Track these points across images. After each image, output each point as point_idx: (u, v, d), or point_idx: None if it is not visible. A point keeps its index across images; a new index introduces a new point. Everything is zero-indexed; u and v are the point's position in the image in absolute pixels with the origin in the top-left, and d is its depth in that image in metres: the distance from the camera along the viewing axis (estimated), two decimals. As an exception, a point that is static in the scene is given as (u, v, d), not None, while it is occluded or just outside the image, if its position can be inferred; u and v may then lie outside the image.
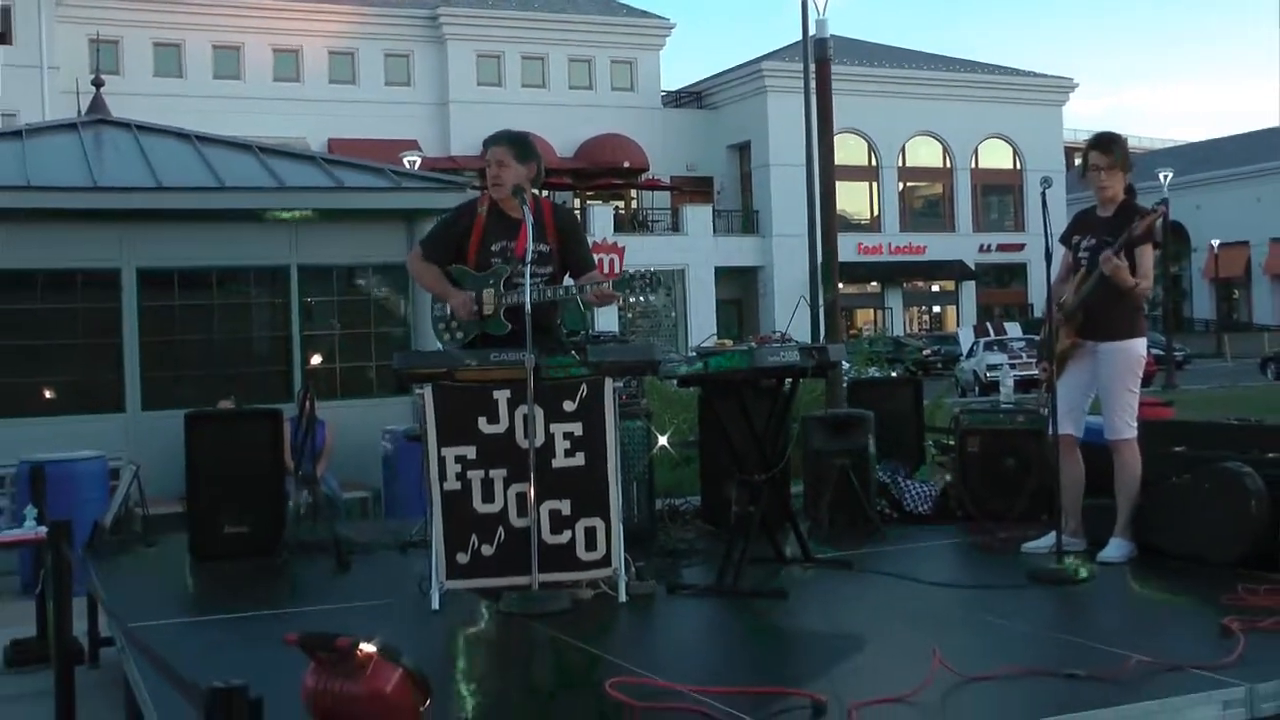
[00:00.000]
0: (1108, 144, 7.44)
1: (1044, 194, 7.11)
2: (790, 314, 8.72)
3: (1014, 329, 46.87)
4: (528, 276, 6.52)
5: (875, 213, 62.42)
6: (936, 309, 66.55)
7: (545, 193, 7.73)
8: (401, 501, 11.47)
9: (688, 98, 64.75)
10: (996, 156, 64.90)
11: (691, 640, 6.17)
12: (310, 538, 8.45)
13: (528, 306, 6.41)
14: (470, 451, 6.43)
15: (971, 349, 45.08)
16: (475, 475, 6.43)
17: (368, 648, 3.82)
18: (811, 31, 19.12)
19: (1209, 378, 45.59)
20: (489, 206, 7.16)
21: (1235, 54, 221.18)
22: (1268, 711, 4.60)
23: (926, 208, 64.80)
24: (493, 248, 7.07)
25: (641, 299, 7.05)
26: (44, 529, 7.78)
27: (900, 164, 62.65)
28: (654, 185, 59.80)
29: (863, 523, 8.48)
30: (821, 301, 14.67)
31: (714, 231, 57.60)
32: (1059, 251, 7.52)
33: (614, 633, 6.12)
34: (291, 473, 9.11)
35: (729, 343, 8.32)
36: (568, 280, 7.25)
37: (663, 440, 9.06)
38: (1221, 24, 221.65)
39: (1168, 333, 45.43)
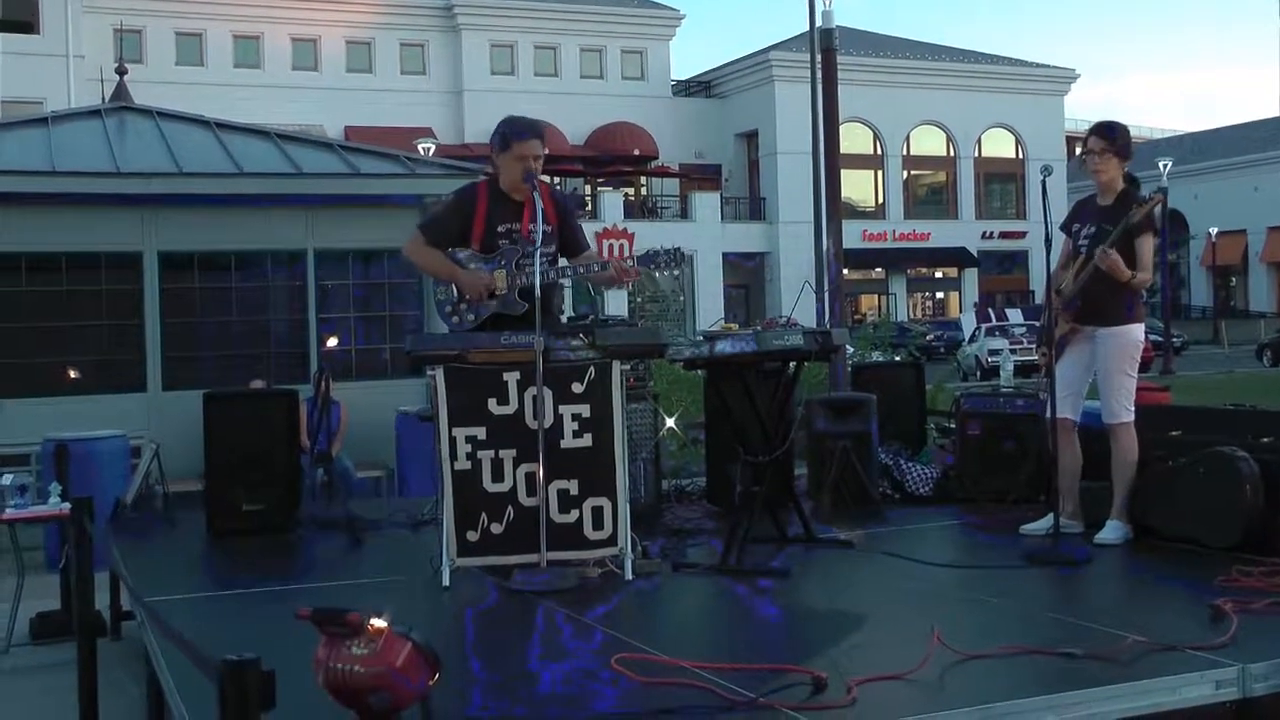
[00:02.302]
0: (1104, 130, 7.51)
1: (1044, 182, 7.16)
2: (795, 299, 8.74)
3: (1015, 315, 46.78)
4: (537, 258, 6.60)
5: (880, 200, 62.36)
6: (939, 295, 66.45)
7: (549, 179, 7.72)
8: (414, 481, 11.58)
9: (696, 87, 64.58)
10: (999, 145, 64.79)
11: (696, 618, 6.25)
12: (325, 515, 8.54)
13: (538, 289, 6.49)
14: (480, 432, 6.49)
15: (973, 334, 45.00)
16: (485, 455, 6.49)
17: (378, 623, 3.79)
18: (818, 22, 19.14)
19: (1206, 364, 45.29)
20: (491, 190, 7.15)
21: (1236, 44, 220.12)
22: (1259, 691, 4.66)
23: (930, 195, 64.71)
24: (499, 229, 7.05)
25: (667, 274, 7.04)
26: (68, 505, 7.83)
27: (905, 152, 62.56)
28: (663, 172, 59.75)
29: (864, 503, 8.56)
30: (826, 289, 14.74)
31: (722, 218, 57.56)
32: (1059, 239, 7.62)
33: (620, 610, 6.15)
34: (308, 452, 9.20)
35: (735, 327, 8.39)
36: (563, 261, 7.26)
37: (670, 422, 9.12)
38: (1222, 14, 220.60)
39: (1166, 319, 45.26)
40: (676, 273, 7.27)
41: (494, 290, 7.01)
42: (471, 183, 7.56)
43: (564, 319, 8.47)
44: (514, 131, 7.09)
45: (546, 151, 7.20)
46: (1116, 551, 7.04)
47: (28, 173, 12.14)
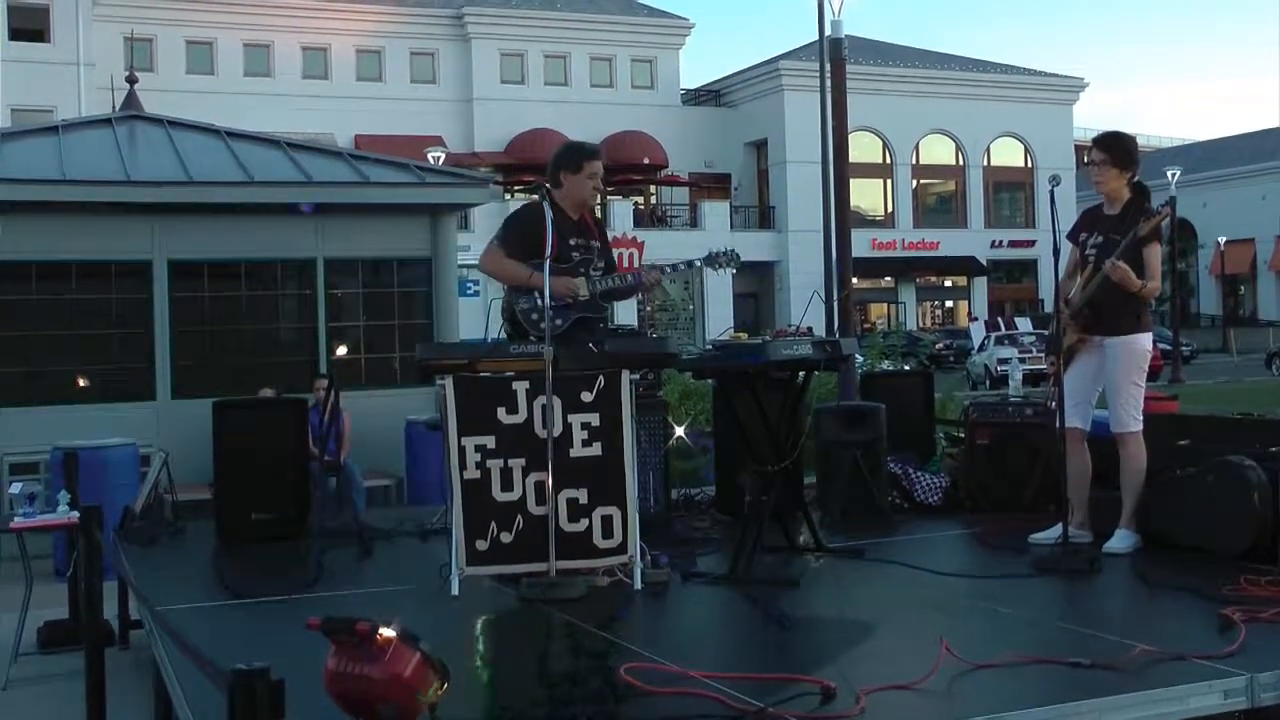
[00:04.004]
0: (1104, 142, 7.53)
1: (1052, 192, 7.15)
2: (804, 308, 8.80)
3: (1024, 324, 46.76)
4: (546, 269, 6.71)
5: (889, 209, 62.43)
6: (949, 304, 66.47)
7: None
8: (423, 489, 11.58)
9: (706, 96, 64.65)
10: (1008, 154, 64.83)
11: (705, 627, 6.25)
12: (334, 524, 8.55)
13: (548, 299, 6.55)
14: (490, 441, 6.51)
15: (982, 343, 44.99)
16: (495, 464, 6.51)
17: (387, 632, 3.84)
18: (827, 32, 19.16)
19: (1215, 372, 45.25)
20: (553, 207, 7.39)
21: (1245, 53, 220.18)
22: (1268, 701, 4.66)
23: (939, 204, 64.74)
24: (570, 241, 7.30)
25: (725, 271, 7.37)
26: (76, 514, 7.83)
27: (914, 161, 62.61)
28: (673, 181, 59.76)
29: (873, 513, 8.56)
30: (835, 300, 14.77)
31: (731, 227, 57.49)
32: (1067, 248, 7.61)
33: (629, 619, 6.15)
34: (317, 458, 9.21)
35: (745, 336, 8.42)
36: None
37: (679, 431, 9.14)
38: (1232, 22, 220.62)
39: (1174, 328, 45.24)
40: (734, 270, 7.62)
41: (578, 295, 7.21)
42: (535, 200, 7.77)
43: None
44: (585, 153, 7.46)
45: None
46: (1125, 560, 7.02)
47: (38, 181, 12.15)
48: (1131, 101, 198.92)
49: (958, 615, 6.01)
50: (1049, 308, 10.83)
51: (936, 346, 46.93)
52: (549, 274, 7.15)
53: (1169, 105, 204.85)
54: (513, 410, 6.55)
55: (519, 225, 7.47)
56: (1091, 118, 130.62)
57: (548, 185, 7.39)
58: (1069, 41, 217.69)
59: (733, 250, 7.40)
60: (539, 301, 7.18)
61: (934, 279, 65.02)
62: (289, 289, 13.34)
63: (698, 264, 7.45)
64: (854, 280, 14.78)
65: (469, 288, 30.50)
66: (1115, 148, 7.48)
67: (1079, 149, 63.76)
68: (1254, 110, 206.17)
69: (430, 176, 14.13)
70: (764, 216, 59.80)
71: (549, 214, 7.31)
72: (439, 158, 34.80)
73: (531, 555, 6.47)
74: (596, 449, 6.57)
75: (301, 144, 15.17)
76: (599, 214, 7.94)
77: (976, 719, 4.28)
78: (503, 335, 7.20)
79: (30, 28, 47.63)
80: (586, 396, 6.58)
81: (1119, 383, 7.32)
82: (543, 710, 4.39)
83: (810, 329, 7.94)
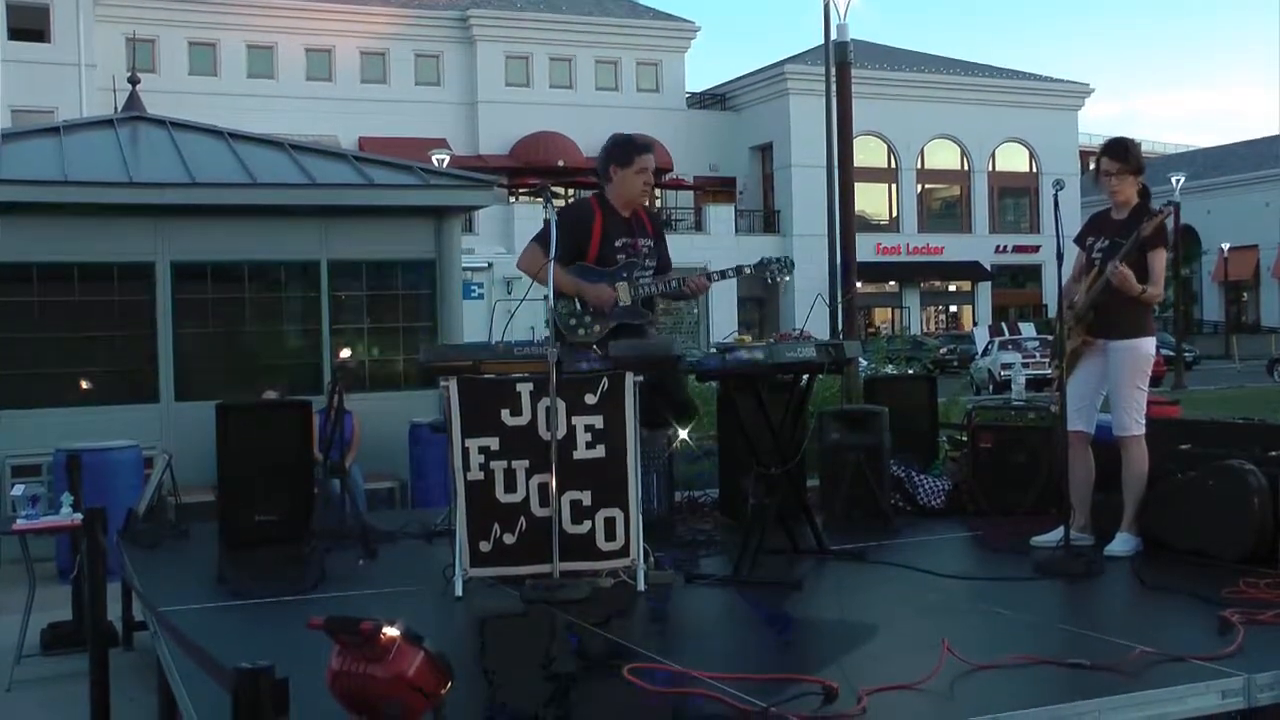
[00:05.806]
0: (1117, 150, 7.53)
1: (1056, 196, 7.20)
2: (808, 312, 8.81)
3: (1028, 329, 46.80)
4: (551, 271, 6.67)
5: (894, 214, 62.52)
6: (953, 308, 66.52)
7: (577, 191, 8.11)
8: (428, 491, 11.57)
9: (711, 99, 64.75)
10: (1013, 160, 64.96)
11: (708, 628, 6.26)
12: (338, 526, 8.54)
13: (554, 300, 6.56)
14: (494, 442, 6.50)
15: (986, 348, 45.04)
16: (498, 466, 6.50)
17: (391, 632, 3.83)
18: (833, 36, 19.17)
19: (1217, 378, 45.23)
20: (603, 206, 7.53)
21: (1248, 61, 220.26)
22: (1264, 700, 4.70)
23: (944, 209, 64.83)
24: (616, 244, 7.42)
25: (778, 279, 7.60)
26: (80, 516, 7.85)
27: (919, 166, 62.72)
28: (678, 185, 59.86)
29: (876, 515, 8.55)
30: (840, 303, 14.77)
31: (736, 231, 57.65)
32: (1073, 252, 7.62)
33: (632, 620, 6.14)
34: (320, 463, 9.21)
35: (749, 339, 8.46)
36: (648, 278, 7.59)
37: (683, 433, 9.13)
38: (1236, 31, 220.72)
39: (1177, 334, 45.28)
40: (788, 278, 7.76)
41: (617, 302, 7.35)
42: (583, 199, 7.82)
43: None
44: (635, 147, 7.59)
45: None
46: (1126, 563, 7.03)
47: (40, 182, 12.14)
48: (1133, 108, 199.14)
49: (959, 617, 6.03)
50: (1053, 313, 10.89)
51: (940, 351, 46.95)
52: (588, 279, 7.27)
53: (1171, 112, 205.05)
54: (517, 412, 6.53)
55: (561, 225, 7.43)
56: (1095, 124, 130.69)
57: (552, 186, 7.40)
58: (1073, 48, 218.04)
59: (787, 259, 7.67)
60: (577, 307, 7.39)
61: (938, 284, 65.13)
62: (293, 291, 13.33)
63: (748, 270, 7.67)
64: (858, 285, 14.79)
65: (473, 290, 30.50)
66: (1129, 155, 7.51)
67: (1084, 154, 63.80)
68: (1254, 118, 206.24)
69: (434, 179, 14.12)
70: (769, 220, 59.89)
71: (599, 213, 7.49)
72: (443, 160, 34.85)
73: (535, 557, 6.46)
74: (600, 451, 6.56)
75: (305, 146, 15.16)
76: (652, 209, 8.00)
77: (977, 719, 4.29)
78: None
79: (31, 28, 47.66)
80: (590, 398, 6.57)
81: (1122, 386, 7.33)
82: (546, 711, 4.40)
83: (803, 331, 7.97)
